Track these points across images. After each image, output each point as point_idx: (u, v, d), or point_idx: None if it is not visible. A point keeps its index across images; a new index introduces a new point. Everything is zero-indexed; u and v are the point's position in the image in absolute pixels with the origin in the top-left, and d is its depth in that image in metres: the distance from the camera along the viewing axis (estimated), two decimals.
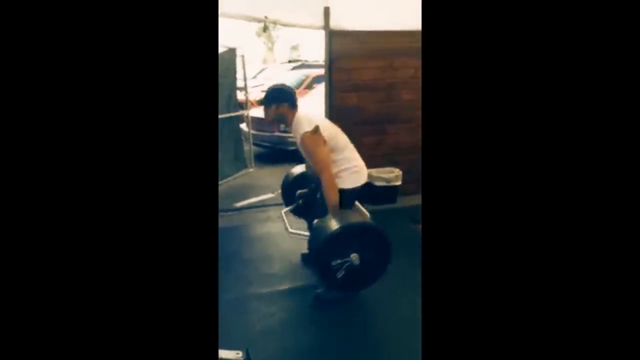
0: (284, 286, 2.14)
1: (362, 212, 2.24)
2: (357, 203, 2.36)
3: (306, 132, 1.82)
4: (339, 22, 2.94)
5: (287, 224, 2.25)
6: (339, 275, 1.70)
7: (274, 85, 2.02)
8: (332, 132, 1.95)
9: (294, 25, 2.86)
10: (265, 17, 2.62)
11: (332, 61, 2.99)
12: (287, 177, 2.60)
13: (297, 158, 4.78)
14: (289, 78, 7.47)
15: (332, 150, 1.92)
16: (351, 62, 3.03)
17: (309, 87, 6.72)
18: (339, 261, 1.68)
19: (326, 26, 2.92)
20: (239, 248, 2.57)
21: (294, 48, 23.74)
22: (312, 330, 1.79)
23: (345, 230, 1.66)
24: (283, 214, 2.41)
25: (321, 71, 7.58)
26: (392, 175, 3.21)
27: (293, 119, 1.93)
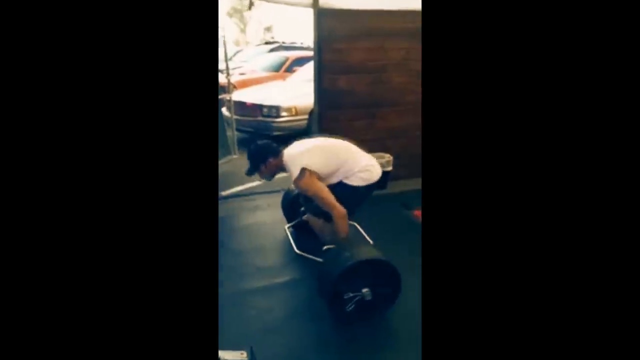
0: (281, 279, 2.04)
1: (368, 242, 2.22)
2: (360, 229, 2.36)
3: (295, 181, 1.81)
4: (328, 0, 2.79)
5: (293, 243, 2.19)
6: (349, 308, 1.64)
7: (250, 147, 1.98)
8: (322, 158, 1.89)
9: (280, 2, 2.69)
10: None
11: (322, 42, 2.85)
12: (287, 194, 2.52)
13: (282, 143, 4.65)
14: (267, 60, 7.22)
15: (329, 174, 1.90)
16: (341, 42, 2.89)
17: (289, 70, 6.52)
18: (350, 294, 1.63)
19: (315, 4, 2.76)
20: (228, 239, 2.45)
21: (268, 29, 23.07)
22: (315, 325, 1.72)
23: (359, 266, 1.60)
24: (287, 231, 2.34)
25: (301, 53, 7.40)
26: (382, 160, 3.13)
27: (282, 165, 1.91)
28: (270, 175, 1.98)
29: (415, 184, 3.00)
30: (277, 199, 3.16)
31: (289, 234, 2.30)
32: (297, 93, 4.57)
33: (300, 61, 6.54)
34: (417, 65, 3.13)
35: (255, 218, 2.78)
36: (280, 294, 1.93)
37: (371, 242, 2.24)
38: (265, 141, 2.00)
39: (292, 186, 2.50)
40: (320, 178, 1.85)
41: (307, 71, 5.37)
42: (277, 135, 4.34)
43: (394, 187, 3.18)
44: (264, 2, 2.53)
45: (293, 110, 4.38)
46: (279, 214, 2.60)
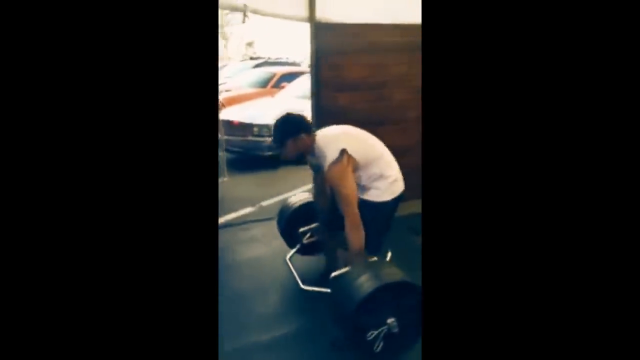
0: (289, 329, 1.78)
1: (388, 260, 1.94)
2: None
3: (331, 164, 1.51)
4: (324, 13, 2.61)
5: (297, 277, 1.88)
6: (377, 348, 1.38)
7: (280, 118, 1.67)
8: (361, 144, 1.65)
9: (276, 16, 2.50)
10: (245, 5, 2.24)
11: (319, 57, 2.66)
12: (284, 210, 2.25)
13: (272, 164, 4.40)
14: (253, 76, 7.01)
15: (365, 165, 1.63)
16: (339, 58, 2.71)
17: (277, 85, 6.32)
18: (374, 333, 1.37)
19: (311, 17, 2.59)
20: (224, 279, 2.17)
21: (249, 45, 22.99)
22: None
23: (381, 291, 1.33)
24: (289, 262, 2.03)
25: (288, 68, 7.24)
26: None
27: (314, 146, 1.62)
28: (294, 155, 1.67)
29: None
30: (273, 226, 2.90)
31: (291, 267, 2.00)
32: (289, 111, 4.36)
33: (288, 77, 6.37)
34: (419, 81, 2.98)
35: (253, 251, 2.51)
36: (290, 347, 1.67)
37: (390, 252, 1.96)
38: (297, 114, 1.70)
39: (292, 201, 2.24)
40: (357, 168, 1.60)
41: (297, 87, 5.19)
42: (270, 156, 4.11)
43: (399, 210, 2.97)
44: (258, 15, 2.33)
45: None
46: (277, 244, 2.35)
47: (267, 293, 2.05)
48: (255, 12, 2.35)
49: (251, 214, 3.09)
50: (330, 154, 1.52)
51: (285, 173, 4.16)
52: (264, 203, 3.29)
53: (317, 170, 1.85)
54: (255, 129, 4.13)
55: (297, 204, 2.20)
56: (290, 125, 1.63)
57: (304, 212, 2.15)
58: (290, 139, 1.61)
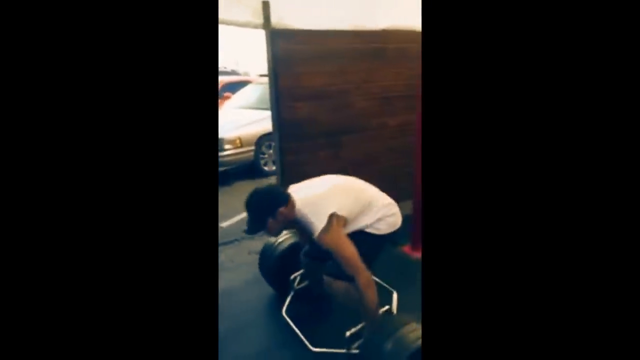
0: None
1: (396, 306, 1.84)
2: (377, 280, 1.95)
3: (322, 233, 1.38)
4: (281, 19, 2.47)
5: (303, 338, 1.66)
6: None
7: (250, 198, 1.45)
8: (350, 192, 1.53)
9: (228, 24, 2.29)
10: None
11: (277, 66, 2.50)
12: (267, 249, 1.98)
13: (225, 180, 4.12)
14: None
15: (362, 209, 1.54)
16: (297, 66, 2.58)
17: (219, 96, 6.01)
18: None
19: (266, 24, 2.42)
20: None
21: None
22: None
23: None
24: (286, 317, 1.79)
25: (229, 78, 6.93)
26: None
27: (295, 215, 1.45)
28: (279, 231, 1.55)
29: None
30: (240, 249, 2.68)
31: (291, 324, 1.73)
32: (239, 122, 4.13)
33: (231, 86, 6.10)
34: (379, 88, 2.95)
35: (222, 282, 2.25)
36: None
37: (395, 292, 1.85)
38: (268, 187, 1.52)
39: (274, 241, 2.05)
40: (346, 224, 1.48)
41: (243, 97, 4.97)
42: (223, 171, 3.84)
43: None
44: None
45: (237, 141, 3.92)
46: (248, 270, 2.14)
47: (248, 330, 1.83)
48: None
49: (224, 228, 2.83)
50: (318, 222, 1.38)
51: (240, 188, 3.91)
52: (224, 224, 3.03)
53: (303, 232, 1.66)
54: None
55: (281, 248, 1.98)
56: (264, 204, 1.44)
57: (290, 256, 1.94)
58: (269, 219, 1.43)
